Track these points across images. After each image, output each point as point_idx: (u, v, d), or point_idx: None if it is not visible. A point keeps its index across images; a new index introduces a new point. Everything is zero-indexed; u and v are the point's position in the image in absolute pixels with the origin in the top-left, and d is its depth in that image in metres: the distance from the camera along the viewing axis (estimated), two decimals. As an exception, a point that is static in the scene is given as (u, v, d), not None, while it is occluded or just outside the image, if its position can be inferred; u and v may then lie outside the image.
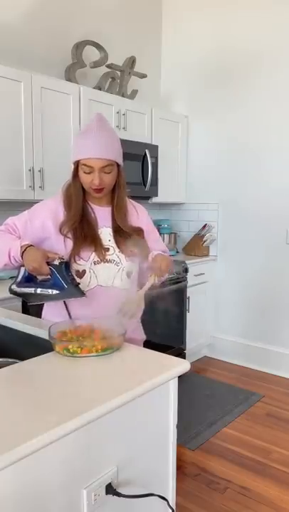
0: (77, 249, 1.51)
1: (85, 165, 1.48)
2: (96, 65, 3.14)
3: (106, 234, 1.57)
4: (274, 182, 3.38)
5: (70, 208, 1.55)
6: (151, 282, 1.51)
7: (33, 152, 2.61)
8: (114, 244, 1.56)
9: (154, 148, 3.37)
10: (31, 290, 1.47)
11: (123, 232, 1.57)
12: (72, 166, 1.55)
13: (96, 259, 1.53)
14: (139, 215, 1.67)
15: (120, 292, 1.55)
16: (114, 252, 1.55)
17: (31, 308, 1.94)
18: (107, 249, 1.55)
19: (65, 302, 1.52)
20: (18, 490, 0.84)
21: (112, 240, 1.56)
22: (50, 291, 1.43)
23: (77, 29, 3.16)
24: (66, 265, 1.43)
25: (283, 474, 2.21)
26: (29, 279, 1.47)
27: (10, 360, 1.36)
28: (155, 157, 3.37)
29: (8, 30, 2.78)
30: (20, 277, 1.48)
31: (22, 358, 1.24)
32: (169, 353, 1.28)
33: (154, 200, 3.53)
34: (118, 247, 1.56)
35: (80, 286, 1.47)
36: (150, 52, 3.86)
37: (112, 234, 1.57)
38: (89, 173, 1.49)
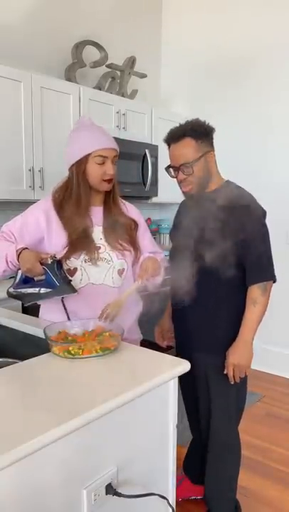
0: (70, 253, 1.52)
1: (100, 155, 1.49)
2: (96, 65, 3.14)
3: (98, 233, 1.58)
4: (274, 182, 3.38)
5: (76, 212, 1.53)
6: (136, 286, 1.52)
7: (33, 152, 2.61)
8: (105, 243, 1.57)
9: (154, 148, 3.37)
10: (26, 291, 1.48)
11: (115, 228, 1.58)
12: (76, 168, 1.52)
13: (87, 257, 1.54)
14: (128, 211, 1.68)
15: (111, 290, 1.55)
16: (105, 251, 1.56)
17: (30, 308, 1.94)
18: (98, 248, 1.56)
19: (63, 302, 1.53)
20: (18, 490, 0.84)
21: (103, 238, 1.57)
22: (43, 289, 1.45)
23: (77, 29, 3.15)
24: (58, 263, 1.45)
25: (283, 474, 2.21)
26: (26, 281, 1.49)
27: (10, 360, 1.36)
28: (155, 157, 3.37)
29: (8, 30, 2.78)
30: (17, 280, 1.51)
31: (22, 358, 1.24)
32: (169, 353, 1.28)
33: (154, 200, 3.53)
34: (109, 244, 1.56)
35: (72, 283, 1.48)
36: (150, 52, 3.85)
37: (103, 232, 1.58)
38: (102, 164, 1.50)
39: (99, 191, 1.58)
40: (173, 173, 1.65)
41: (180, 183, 1.64)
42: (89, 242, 1.54)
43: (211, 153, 1.63)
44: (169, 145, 1.63)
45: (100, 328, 1.36)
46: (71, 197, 1.55)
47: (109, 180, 1.54)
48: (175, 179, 1.67)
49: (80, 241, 1.53)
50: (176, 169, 1.61)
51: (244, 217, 1.56)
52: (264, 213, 1.66)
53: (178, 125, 1.62)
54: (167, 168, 1.66)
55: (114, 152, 1.54)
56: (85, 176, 1.53)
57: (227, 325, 1.64)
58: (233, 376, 1.62)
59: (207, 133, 1.62)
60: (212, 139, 1.65)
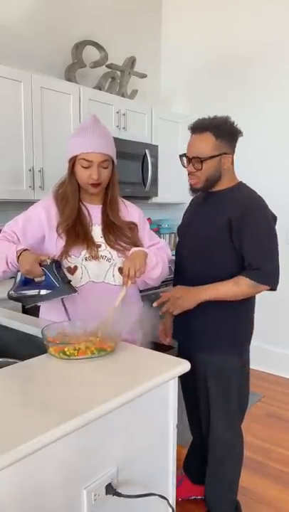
0: (68, 247, 1.52)
1: (84, 159, 1.50)
2: (96, 65, 3.14)
3: (97, 231, 1.58)
4: (275, 182, 3.38)
5: (64, 206, 1.56)
6: (122, 296, 1.42)
7: (33, 152, 2.61)
8: (105, 241, 1.57)
9: (154, 148, 3.37)
10: (26, 293, 1.48)
11: (114, 229, 1.58)
12: (68, 164, 1.56)
13: (87, 255, 1.54)
14: (129, 211, 1.68)
15: (112, 288, 1.55)
16: (105, 248, 1.56)
17: (31, 308, 1.94)
18: (99, 246, 1.56)
19: (63, 302, 1.52)
20: (18, 490, 0.84)
21: (103, 237, 1.58)
22: (43, 291, 1.45)
23: (77, 29, 3.15)
24: (57, 264, 1.45)
25: (283, 474, 2.21)
26: (26, 283, 1.49)
27: (10, 360, 1.36)
28: (155, 157, 3.37)
29: (8, 30, 2.78)
30: (17, 282, 1.51)
31: (22, 358, 1.24)
32: (169, 353, 1.28)
33: (154, 200, 3.53)
34: (108, 244, 1.56)
35: (71, 282, 1.48)
36: (150, 52, 3.85)
37: (102, 231, 1.58)
38: (87, 168, 1.51)
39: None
40: (185, 163, 1.62)
41: (188, 174, 1.62)
42: (88, 238, 1.54)
43: (228, 155, 1.57)
44: (191, 134, 1.61)
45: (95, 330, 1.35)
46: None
47: (94, 185, 1.53)
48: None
49: (79, 234, 1.53)
50: (189, 160, 1.58)
51: (254, 220, 1.53)
52: (274, 218, 1.61)
53: (206, 117, 1.60)
54: (181, 156, 1.63)
55: (102, 157, 1.50)
56: (74, 176, 1.55)
57: (228, 325, 1.63)
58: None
59: (231, 134, 1.57)
60: (236, 141, 1.60)
